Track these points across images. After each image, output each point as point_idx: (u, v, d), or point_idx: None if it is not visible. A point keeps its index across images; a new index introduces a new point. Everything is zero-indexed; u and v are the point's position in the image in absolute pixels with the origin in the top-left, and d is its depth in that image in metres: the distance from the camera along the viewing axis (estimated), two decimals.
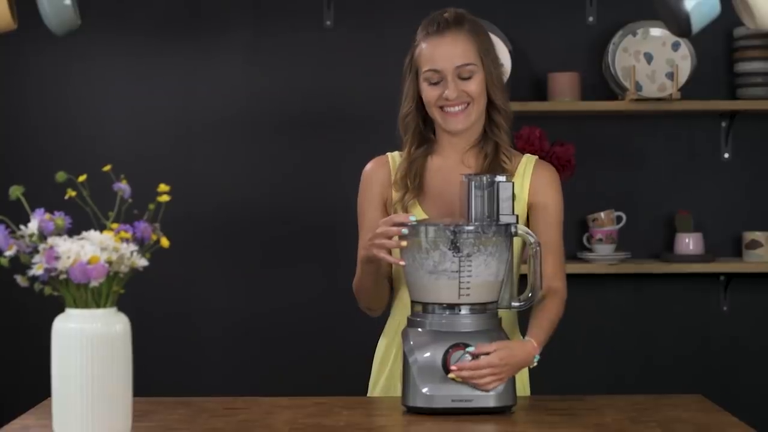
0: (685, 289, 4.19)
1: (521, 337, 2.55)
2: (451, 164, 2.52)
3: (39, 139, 4.18)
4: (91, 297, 1.88)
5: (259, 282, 4.19)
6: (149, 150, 4.15)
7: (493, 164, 2.49)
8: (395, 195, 2.51)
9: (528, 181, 2.50)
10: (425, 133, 2.54)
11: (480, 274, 2.21)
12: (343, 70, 4.17)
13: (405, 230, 2.22)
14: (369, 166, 2.58)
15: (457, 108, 2.45)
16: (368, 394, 2.57)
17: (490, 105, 2.50)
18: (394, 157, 2.56)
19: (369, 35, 4.09)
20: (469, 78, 2.45)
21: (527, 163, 2.53)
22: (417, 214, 2.45)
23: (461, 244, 2.20)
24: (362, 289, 2.49)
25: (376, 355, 2.59)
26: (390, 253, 2.29)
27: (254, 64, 4.18)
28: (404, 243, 2.23)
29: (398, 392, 2.36)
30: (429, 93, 2.46)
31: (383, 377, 2.55)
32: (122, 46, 4.19)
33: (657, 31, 4.01)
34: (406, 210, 2.47)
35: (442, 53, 2.45)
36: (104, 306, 1.90)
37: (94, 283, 1.86)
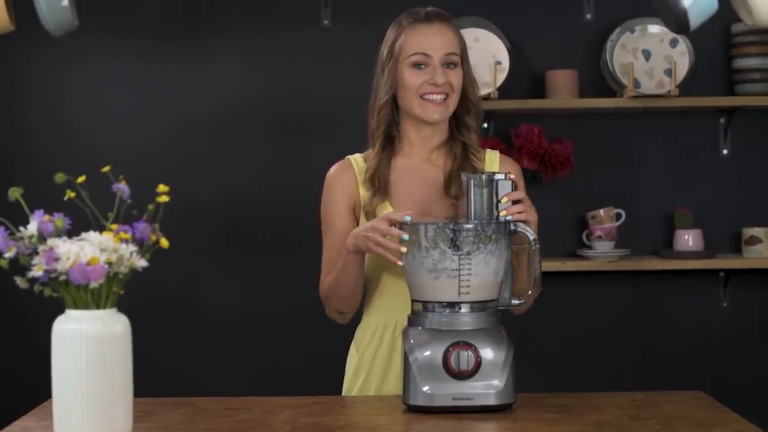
0: (685, 286, 4.19)
1: None
2: (417, 164, 2.54)
3: (38, 140, 4.18)
4: (90, 298, 1.88)
5: (259, 280, 4.19)
6: (148, 150, 4.15)
7: (464, 164, 2.50)
8: (364, 195, 2.51)
9: None
10: (392, 131, 2.54)
11: (480, 272, 2.21)
12: (340, 68, 4.17)
13: (406, 236, 2.22)
14: (332, 170, 2.57)
15: (438, 97, 2.46)
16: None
17: (462, 106, 2.52)
18: (356, 160, 2.56)
19: (366, 34, 4.08)
20: (453, 68, 2.48)
21: (491, 159, 2.56)
22: None
23: (461, 243, 2.20)
24: (340, 286, 2.45)
25: (348, 367, 2.56)
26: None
27: (252, 63, 4.18)
28: (404, 249, 2.23)
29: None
30: (413, 79, 2.47)
31: (355, 391, 2.53)
32: (120, 46, 4.19)
33: (655, 28, 4.01)
34: (374, 212, 2.46)
35: (432, 39, 2.48)
36: (104, 307, 1.89)
37: (93, 284, 1.86)
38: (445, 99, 2.47)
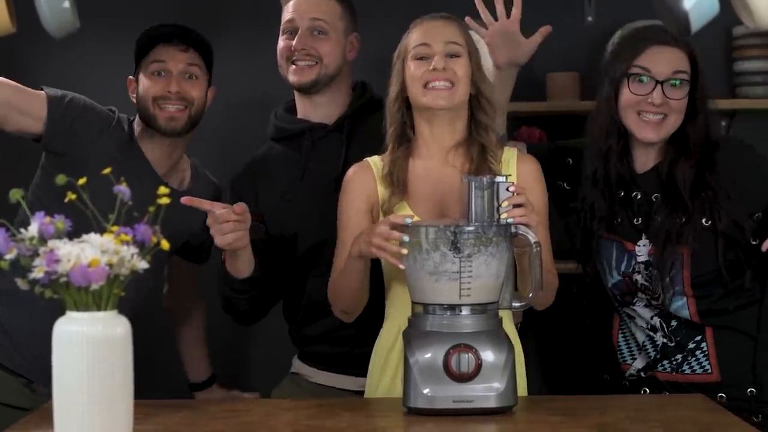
0: None
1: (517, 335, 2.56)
2: (434, 165, 2.54)
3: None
4: (91, 300, 1.88)
5: None
6: None
7: (481, 166, 2.49)
8: (383, 193, 2.51)
9: (513, 178, 2.50)
10: (406, 130, 2.55)
11: (481, 274, 2.21)
12: None
13: (406, 238, 2.22)
14: (351, 171, 2.58)
15: (442, 84, 2.48)
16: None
17: (477, 104, 2.52)
18: (374, 161, 2.57)
19: (365, 36, 4.09)
20: (456, 57, 2.50)
21: (509, 157, 2.55)
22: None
23: (462, 245, 2.20)
24: (345, 289, 2.47)
25: (369, 367, 2.57)
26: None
27: (253, 64, 4.18)
28: (405, 251, 2.23)
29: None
30: (416, 70, 2.50)
31: (370, 390, 2.54)
32: (121, 47, 4.18)
33: None
34: (392, 211, 2.47)
35: (434, 31, 2.53)
36: (105, 309, 1.89)
37: (94, 286, 1.85)
38: (450, 88, 2.48)
